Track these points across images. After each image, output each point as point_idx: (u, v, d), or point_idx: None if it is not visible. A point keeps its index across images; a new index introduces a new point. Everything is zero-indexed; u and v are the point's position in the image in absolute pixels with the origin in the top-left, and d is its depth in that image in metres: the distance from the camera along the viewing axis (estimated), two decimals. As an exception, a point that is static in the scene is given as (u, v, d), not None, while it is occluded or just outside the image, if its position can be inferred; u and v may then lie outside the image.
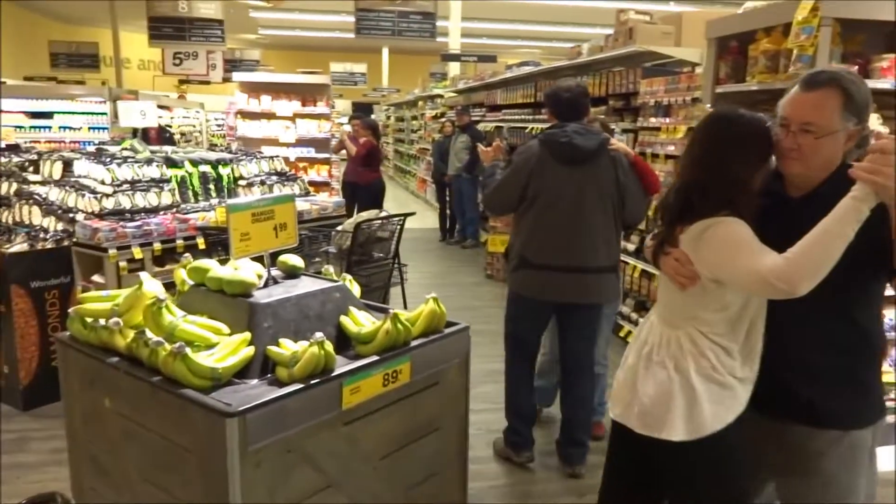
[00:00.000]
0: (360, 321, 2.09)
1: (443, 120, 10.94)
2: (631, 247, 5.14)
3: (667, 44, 5.27)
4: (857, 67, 3.18)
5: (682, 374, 1.80)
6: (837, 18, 3.05)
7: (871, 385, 1.84)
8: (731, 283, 1.75)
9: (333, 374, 1.83)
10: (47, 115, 9.58)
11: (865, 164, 1.52)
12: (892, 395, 3.47)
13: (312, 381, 1.78)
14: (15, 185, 4.75)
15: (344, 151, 8.82)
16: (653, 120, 5.01)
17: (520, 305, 3.35)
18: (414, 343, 2.07)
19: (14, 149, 6.50)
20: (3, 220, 4.67)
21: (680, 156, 1.89)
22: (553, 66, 7.98)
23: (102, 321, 2.00)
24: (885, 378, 3.35)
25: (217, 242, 4.05)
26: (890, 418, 3.45)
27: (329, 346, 1.83)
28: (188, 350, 1.73)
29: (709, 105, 3.67)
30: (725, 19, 3.82)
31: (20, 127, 9.14)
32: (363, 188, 8.21)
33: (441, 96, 13.59)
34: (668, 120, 4.83)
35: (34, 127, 9.42)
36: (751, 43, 3.52)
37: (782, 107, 1.76)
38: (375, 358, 1.95)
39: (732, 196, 1.75)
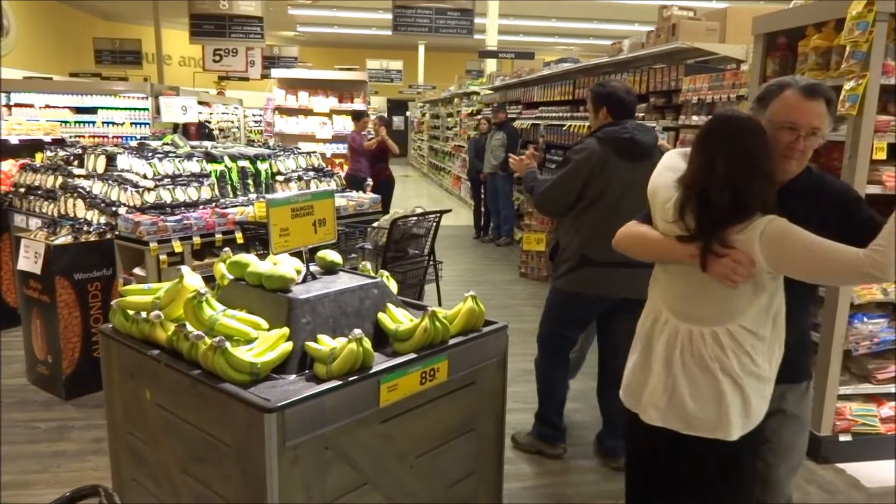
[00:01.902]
0: (397, 318, 2.07)
1: (479, 117, 10.90)
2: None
3: (711, 40, 5.15)
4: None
5: (728, 374, 1.85)
6: (894, 14, 2.95)
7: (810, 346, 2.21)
8: (816, 277, 1.87)
9: (371, 372, 1.82)
10: (91, 110, 9.80)
11: None
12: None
13: (350, 378, 1.77)
14: (60, 179, 4.86)
15: (346, 148, 8.90)
16: (695, 118, 4.89)
17: (574, 305, 3.31)
18: (452, 341, 2.05)
19: (60, 143, 6.68)
20: (49, 213, 4.78)
21: (696, 157, 1.92)
22: (592, 62, 7.87)
23: (144, 314, 2.02)
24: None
25: (255, 237, 4.07)
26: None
27: (367, 343, 1.82)
28: (228, 344, 1.74)
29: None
30: (774, 15, 3.70)
31: (65, 122, 9.35)
32: (378, 183, 8.29)
33: (477, 93, 13.53)
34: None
35: (79, 122, 9.65)
36: (800, 39, 3.42)
37: (787, 112, 1.89)
38: (413, 356, 1.94)
39: (768, 193, 1.82)
